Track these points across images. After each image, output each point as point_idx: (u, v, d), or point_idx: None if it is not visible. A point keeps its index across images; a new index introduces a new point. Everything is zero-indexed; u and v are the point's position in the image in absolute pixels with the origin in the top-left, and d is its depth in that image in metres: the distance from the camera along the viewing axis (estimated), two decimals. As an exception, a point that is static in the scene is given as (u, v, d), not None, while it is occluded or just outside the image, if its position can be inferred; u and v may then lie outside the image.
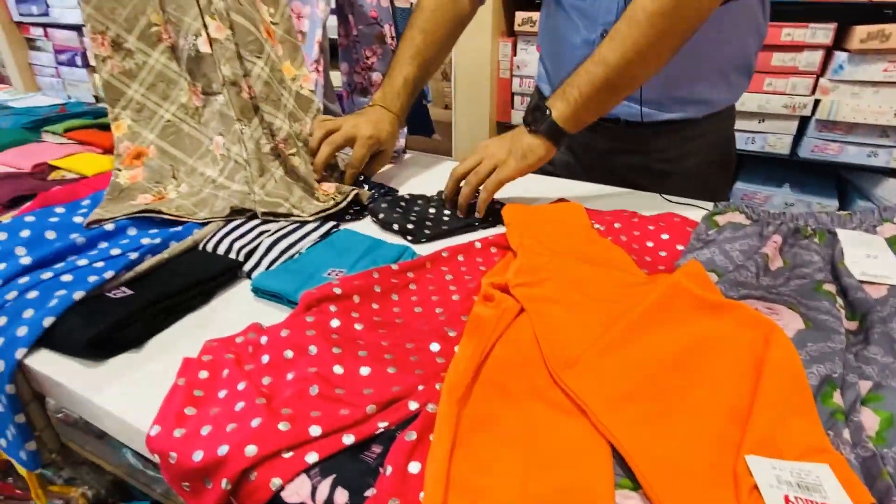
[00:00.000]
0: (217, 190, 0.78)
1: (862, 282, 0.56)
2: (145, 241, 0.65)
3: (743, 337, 0.43)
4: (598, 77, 0.68)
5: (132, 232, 0.67)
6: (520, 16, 1.58)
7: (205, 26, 0.77)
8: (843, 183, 1.49)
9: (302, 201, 0.78)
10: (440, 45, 0.91)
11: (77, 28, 2.55)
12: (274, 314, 0.57)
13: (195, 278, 0.59)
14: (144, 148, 0.80)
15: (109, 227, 0.66)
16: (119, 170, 0.78)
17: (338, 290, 0.55)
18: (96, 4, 0.77)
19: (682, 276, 0.48)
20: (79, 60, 2.63)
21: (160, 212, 0.70)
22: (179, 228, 0.68)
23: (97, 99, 2.69)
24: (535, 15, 1.56)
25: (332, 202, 0.77)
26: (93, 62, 2.59)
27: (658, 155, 0.91)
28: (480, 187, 0.73)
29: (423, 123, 1.31)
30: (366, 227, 0.72)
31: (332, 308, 0.53)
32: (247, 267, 0.64)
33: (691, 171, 0.91)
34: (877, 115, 1.26)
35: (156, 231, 0.67)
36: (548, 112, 0.71)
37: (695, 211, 0.75)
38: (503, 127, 1.81)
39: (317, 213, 0.74)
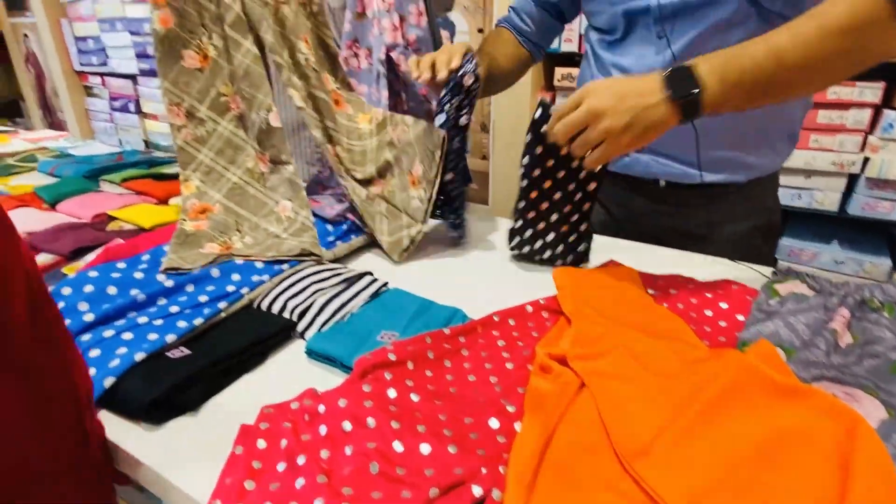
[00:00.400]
0: (282, 242, 0.81)
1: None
2: (202, 298, 0.66)
3: (826, 428, 0.41)
4: (766, 71, 0.59)
5: (190, 289, 0.68)
6: (559, 71, 1.61)
7: (277, 101, 0.86)
8: (895, 241, 1.44)
9: (414, 214, 0.86)
10: (501, 58, 0.96)
11: (132, 77, 2.70)
12: (328, 378, 0.57)
13: (251, 339, 0.60)
14: (210, 205, 0.85)
15: (169, 283, 0.67)
16: (184, 220, 0.82)
17: (392, 357, 0.55)
18: (173, 79, 0.83)
19: (755, 357, 0.47)
20: (132, 107, 2.77)
21: (231, 255, 0.76)
22: (233, 289, 0.69)
23: (147, 143, 2.82)
24: (574, 71, 1.58)
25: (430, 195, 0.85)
26: (144, 108, 2.73)
27: (697, 219, 0.89)
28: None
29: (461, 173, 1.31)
30: (415, 286, 0.72)
31: (388, 375, 0.53)
32: (300, 327, 0.64)
33: (732, 237, 0.88)
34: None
35: (213, 289, 0.68)
36: (698, 89, 0.60)
37: (746, 271, 0.73)
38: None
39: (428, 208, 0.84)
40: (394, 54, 0.99)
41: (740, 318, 0.63)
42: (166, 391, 0.51)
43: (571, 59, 1.61)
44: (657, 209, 0.92)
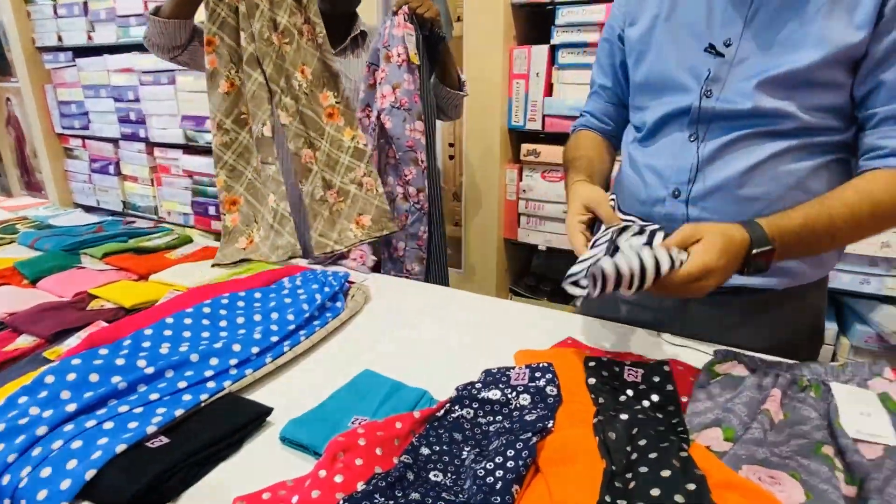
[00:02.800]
0: (277, 237, 1.18)
1: (857, 440, 0.60)
2: (181, 384, 0.70)
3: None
4: (819, 243, 0.75)
5: (169, 374, 0.72)
6: (525, 147, 1.73)
7: (272, 117, 1.18)
8: (841, 307, 1.54)
9: (342, 235, 1.19)
10: (603, 160, 0.98)
11: (114, 140, 2.76)
12: (301, 464, 0.60)
13: (228, 427, 0.63)
14: (238, 197, 1.22)
15: (149, 370, 0.71)
16: (224, 214, 1.21)
17: (362, 442, 0.59)
18: (212, 101, 1.18)
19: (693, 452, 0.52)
20: (111, 169, 2.81)
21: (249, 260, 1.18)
22: (211, 374, 0.72)
23: (125, 204, 2.85)
24: (539, 146, 1.70)
25: (366, 235, 1.21)
26: (124, 171, 2.78)
27: (731, 325, 0.87)
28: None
29: (442, 273, 1.49)
30: (385, 369, 0.77)
31: (358, 461, 0.57)
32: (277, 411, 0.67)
33: (767, 346, 0.81)
34: (864, 246, 1.34)
35: (191, 374, 0.72)
36: (763, 263, 0.70)
37: (692, 352, 0.80)
38: (511, 244, 1.90)
39: (355, 243, 1.19)
40: (382, 116, 1.30)
41: (683, 398, 0.69)
42: (146, 485, 0.54)
43: (536, 137, 1.73)
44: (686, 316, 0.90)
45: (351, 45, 1.41)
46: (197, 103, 2.35)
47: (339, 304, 0.96)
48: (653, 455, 0.54)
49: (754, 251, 0.69)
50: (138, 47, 2.48)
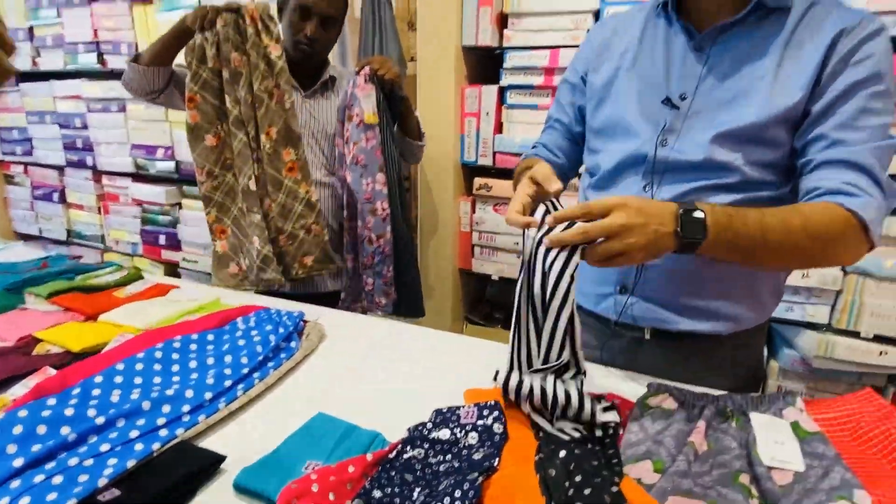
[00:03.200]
0: (261, 272, 1.38)
1: (770, 468, 0.66)
2: (133, 433, 0.70)
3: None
4: (753, 242, 0.72)
5: (120, 423, 0.72)
6: (477, 181, 1.80)
7: (255, 171, 1.37)
8: (770, 333, 1.65)
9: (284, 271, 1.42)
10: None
11: (59, 168, 2.68)
12: (255, 513, 0.62)
13: (181, 476, 0.64)
14: (226, 227, 1.41)
15: (100, 420, 0.71)
16: (215, 240, 1.40)
17: (315, 487, 0.61)
18: (199, 153, 1.35)
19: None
20: (55, 197, 2.72)
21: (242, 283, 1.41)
22: (164, 422, 0.73)
23: (69, 233, 2.76)
24: (491, 181, 1.77)
25: (307, 272, 1.45)
26: (69, 198, 2.70)
27: (679, 369, 0.90)
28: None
29: (414, 305, 1.56)
30: (339, 410, 0.79)
31: (311, 509, 0.59)
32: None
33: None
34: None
35: (143, 422, 0.72)
36: (704, 235, 0.69)
37: (630, 383, 0.85)
38: (465, 273, 1.95)
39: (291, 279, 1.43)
40: (345, 171, 1.46)
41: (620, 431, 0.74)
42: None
43: (488, 172, 1.80)
44: (638, 361, 0.94)
45: (321, 89, 1.50)
46: (149, 132, 2.32)
47: (293, 343, 0.97)
48: (587, 491, 0.58)
49: (682, 210, 0.70)
50: (87, 74, 2.44)
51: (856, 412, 0.75)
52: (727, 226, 0.71)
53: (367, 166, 1.44)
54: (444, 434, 0.72)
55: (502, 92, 1.70)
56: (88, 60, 2.35)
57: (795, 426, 0.73)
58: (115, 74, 2.42)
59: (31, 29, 2.51)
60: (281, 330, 0.97)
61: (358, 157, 1.43)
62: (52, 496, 0.59)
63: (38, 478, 0.62)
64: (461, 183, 1.87)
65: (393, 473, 0.66)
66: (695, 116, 0.85)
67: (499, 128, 1.74)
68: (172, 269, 2.50)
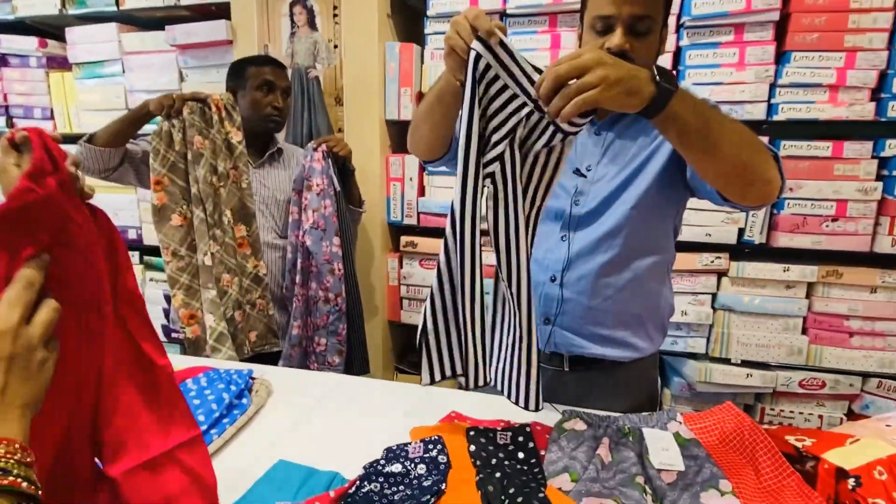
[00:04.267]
0: (215, 353, 1.42)
1: (659, 470, 0.83)
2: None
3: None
4: (708, 121, 0.75)
5: (88, 485, 0.76)
6: (404, 239, 1.95)
7: (209, 247, 1.44)
8: (662, 363, 1.90)
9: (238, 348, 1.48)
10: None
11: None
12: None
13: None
14: (196, 312, 1.44)
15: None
16: (184, 328, 1.41)
17: (287, 526, 0.69)
18: (164, 232, 1.42)
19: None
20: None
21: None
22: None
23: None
24: (416, 238, 1.93)
25: (251, 348, 1.53)
26: None
27: (590, 395, 1.08)
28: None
29: (364, 361, 1.71)
30: (296, 457, 0.87)
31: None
32: (201, 509, 0.75)
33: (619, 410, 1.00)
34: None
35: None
36: (676, 86, 0.71)
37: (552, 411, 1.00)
38: (395, 325, 2.06)
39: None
40: (304, 235, 1.59)
41: (542, 452, 0.89)
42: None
43: (413, 230, 1.96)
44: (557, 389, 1.09)
45: (268, 160, 1.66)
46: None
47: (244, 400, 1.04)
48: (520, 499, 0.71)
49: (661, 76, 0.71)
50: (-8, 137, 2.35)
51: (719, 421, 0.94)
52: (692, 98, 0.74)
53: (325, 230, 1.58)
54: (396, 468, 0.83)
55: (423, 160, 1.89)
56: (-5, 123, 2.28)
57: (676, 435, 0.91)
58: (24, 138, 2.35)
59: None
60: (233, 388, 1.03)
61: (318, 223, 1.58)
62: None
63: None
64: (388, 241, 2.01)
65: (354, 505, 0.76)
66: (597, 182, 1.06)
67: (422, 191, 1.91)
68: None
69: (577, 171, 1.07)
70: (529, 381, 0.91)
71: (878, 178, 1.55)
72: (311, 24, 1.84)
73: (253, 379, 1.12)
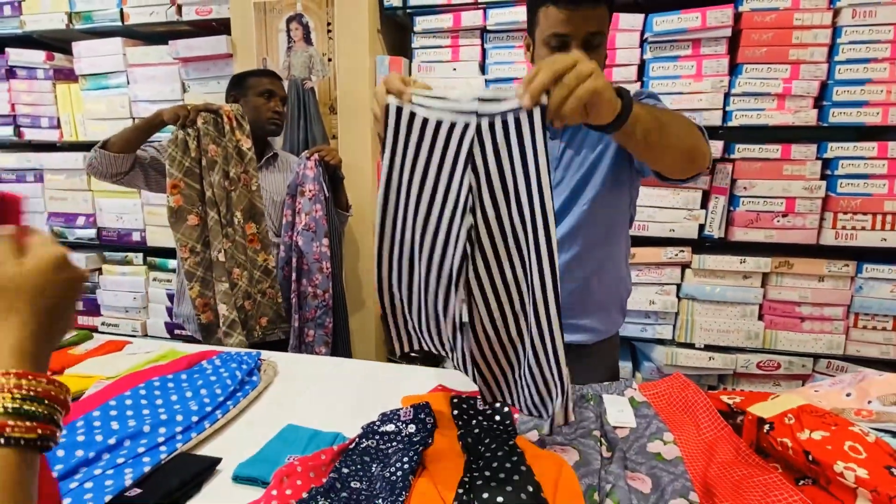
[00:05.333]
0: (227, 338, 1.60)
1: (615, 427, 0.97)
2: (140, 449, 0.87)
3: (549, 467, 0.80)
4: (655, 117, 0.80)
5: (127, 443, 0.89)
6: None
7: (222, 245, 1.60)
8: (634, 350, 2.06)
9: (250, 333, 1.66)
10: None
11: None
12: (251, 494, 0.82)
13: (190, 474, 0.83)
14: (209, 301, 1.61)
15: (111, 441, 0.87)
16: (199, 314, 1.61)
17: (299, 468, 0.83)
18: (182, 232, 1.57)
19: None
20: None
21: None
22: (162, 440, 0.91)
23: None
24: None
25: (261, 332, 1.70)
26: None
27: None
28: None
29: (347, 352, 1.89)
30: (303, 423, 1.00)
31: (298, 482, 0.81)
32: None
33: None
34: (638, 304, 1.88)
35: (146, 441, 0.89)
36: (631, 99, 0.74)
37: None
38: (385, 319, 2.20)
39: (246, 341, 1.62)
40: (297, 236, 1.75)
41: (516, 416, 1.03)
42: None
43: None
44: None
45: (265, 164, 1.81)
46: (69, 201, 2.38)
47: (254, 378, 1.17)
48: (493, 446, 0.86)
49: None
50: (1, 146, 2.46)
51: (668, 387, 1.09)
52: (639, 102, 0.79)
53: (315, 232, 1.74)
54: (390, 427, 0.97)
55: (412, 164, 2.04)
56: (4, 132, 2.39)
57: (631, 399, 1.06)
58: (32, 146, 2.47)
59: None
60: (244, 366, 1.17)
61: (309, 225, 1.74)
62: (88, 496, 0.76)
63: (73, 485, 0.78)
64: (379, 240, 2.15)
65: (354, 457, 0.90)
66: (555, 186, 1.20)
67: (410, 193, 2.06)
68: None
69: None
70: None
71: (822, 177, 1.71)
72: (307, 38, 1.98)
73: (262, 360, 1.25)
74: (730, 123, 1.73)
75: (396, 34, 2.11)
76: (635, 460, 0.91)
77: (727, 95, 1.72)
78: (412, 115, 0.71)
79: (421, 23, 1.92)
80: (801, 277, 1.77)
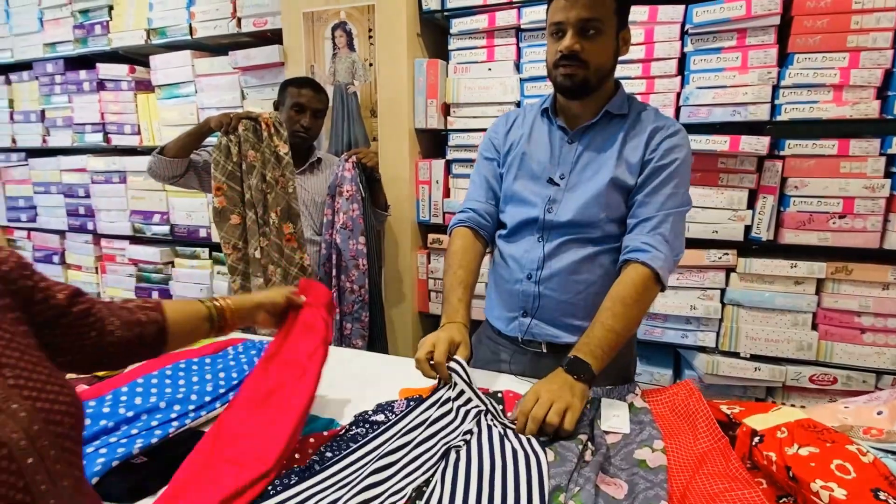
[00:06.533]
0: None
1: (606, 432, 0.95)
2: (154, 423, 0.97)
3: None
4: (613, 341, 1.04)
5: (144, 417, 0.99)
6: (431, 237, 2.13)
7: (259, 243, 1.74)
8: (679, 357, 1.96)
9: None
10: (474, 272, 1.25)
11: (60, 232, 2.96)
12: (242, 469, 0.88)
13: (189, 449, 0.91)
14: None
15: (129, 414, 0.98)
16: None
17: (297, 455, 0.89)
18: (225, 230, 1.72)
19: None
20: (56, 259, 2.98)
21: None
22: (175, 416, 1.00)
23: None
24: (442, 236, 2.10)
25: None
26: (68, 260, 2.96)
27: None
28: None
29: (383, 346, 1.97)
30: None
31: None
32: (224, 438, 0.96)
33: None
34: (679, 308, 1.79)
35: (161, 416, 0.99)
36: (589, 367, 0.99)
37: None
38: (423, 315, 2.25)
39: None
40: (335, 234, 1.85)
41: (509, 414, 1.03)
42: (136, 483, 0.81)
43: (439, 228, 2.14)
44: (539, 370, 1.15)
45: (309, 168, 1.92)
46: (147, 200, 2.63)
47: (272, 365, 1.25)
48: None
49: (567, 367, 1.01)
50: (92, 150, 2.77)
51: (673, 395, 1.05)
52: (596, 351, 1.03)
53: (352, 230, 1.82)
54: (380, 417, 1.00)
55: (448, 164, 2.07)
56: (94, 139, 2.69)
57: (631, 405, 1.03)
58: (118, 150, 2.75)
59: (42, 112, 2.85)
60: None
61: (346, 223, 1.82)
62: (100, 460, 0.86)
63: (89, 450, 0.89)
64: (417, 238, 2.20)
65: (341, 442, 0.94)
66: (570, 190, 1.18)
67: (447, 193, 2.09)
68: (163, 322, 2.75)
69: (550, 181, 1.20)
70: None
71: (886, 174, 1.55)
72: (350, 45, 2.07)
73: (281, 349, 1.34)
74: (779, 117, 1.61)
75: (436, 37, 2.15)
76: (618, 466, 0.89)
77: (776, 88, 1.60)
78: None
79: (457, 25, 1.95)
80: (862, 285, 1.61)
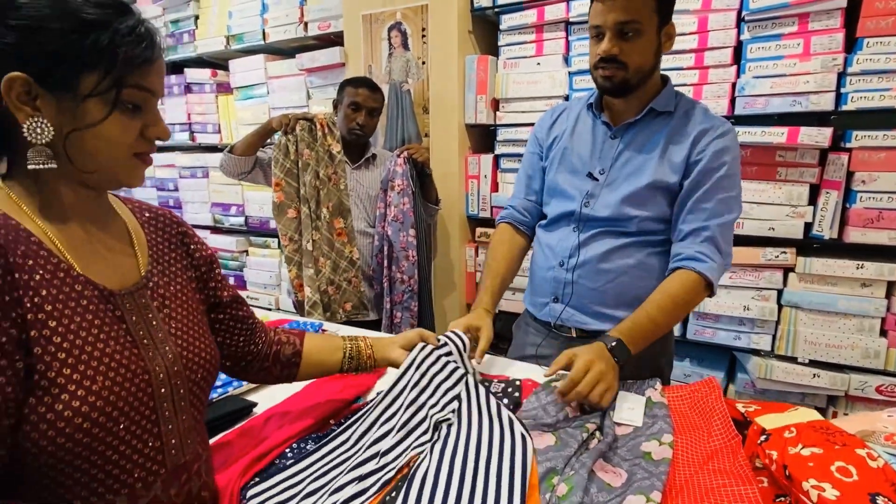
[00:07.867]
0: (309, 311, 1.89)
1: (617, 423, 0.96)
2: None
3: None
4: (651, 332, 1.08)
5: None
6: (478, 230, 2.17)
7: (311, 236, 1.85)
8: (733, 359, 1.87)
9: (332, 315, 1.90)
10: (508, 264, 1.32)
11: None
12: (272, 434, 0.98)
13: (228, 410, 1.02)
14: (302, 282, 1.88)
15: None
16: (296, 292, 1.92)
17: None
18: (283, 223, 1.87)
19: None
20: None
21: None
22: (220, 385, 1.12)
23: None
24: (490, 230, 2.14)
25: (347, 317, 1.92)
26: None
27: None
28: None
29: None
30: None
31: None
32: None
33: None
34: (732, 308, 1.71)
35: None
36: (629, 353, 1.04)
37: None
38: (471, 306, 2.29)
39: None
40: (387, 226, 1.93)
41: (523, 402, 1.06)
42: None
43: (487, 222, 2.17)
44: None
45: (365, 163, 2.02)
46: (225, 193, 2.86)
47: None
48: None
49: (609, 345, 1.04)
50: (180, 148, 3.05)
51: (695, 390, 1.03)
52: (635, 337, 1.06)
53: (403, 223, 1.91)
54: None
55: (497, 159, 2.10)
56: (182, 137, 2.96)
57: (648, 400, 1.02)
58: (202, 148, 3.02)
59: (140, 114, 3.17)
60: (304, 334, 1.35)
61: (397, 216, 1.91)
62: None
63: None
64: (466, 232, 2.25)
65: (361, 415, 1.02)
66: (608, 186, 1.19)
67: (495, 187, 2.12)
68: (237, 306, 2.99)
69: (590, 175, 1.20)
70: None
71: (971, 168, 1.41)
72: (405, 45, 2.15)
73: (323, 331, 1.44)
74: (845, 107, 1.50)
75: (487, 33, 2.18)
76: (623, 456, 0.89)
77: (842, 75, 1.49)
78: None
79: (507, 20, 1.97)
80: (939, 289, 1.47)
